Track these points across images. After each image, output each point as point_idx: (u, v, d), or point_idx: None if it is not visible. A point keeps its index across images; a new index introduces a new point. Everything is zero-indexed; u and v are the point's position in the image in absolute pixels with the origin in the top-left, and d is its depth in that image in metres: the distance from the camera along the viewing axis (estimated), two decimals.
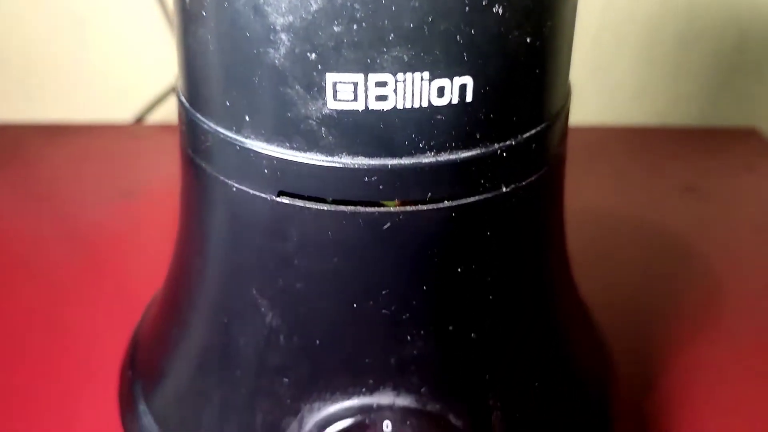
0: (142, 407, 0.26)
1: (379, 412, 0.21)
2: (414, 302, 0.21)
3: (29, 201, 0.48)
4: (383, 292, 0.21)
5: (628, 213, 0.48)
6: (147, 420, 0.25)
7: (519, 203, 0.21)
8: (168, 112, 0.58)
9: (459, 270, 0.21)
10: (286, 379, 0.22)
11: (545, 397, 0.24)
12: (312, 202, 0.20)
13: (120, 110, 0.59)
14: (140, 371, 0.27)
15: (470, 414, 0.22)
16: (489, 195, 0.20)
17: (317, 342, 0.21)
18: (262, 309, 0.22)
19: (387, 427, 0.21)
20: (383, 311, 0.21)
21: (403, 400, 0.22)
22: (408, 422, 0.21)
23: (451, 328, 0.21)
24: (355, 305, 0.21)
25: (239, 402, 0.23)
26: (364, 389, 0.22)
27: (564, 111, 0.22)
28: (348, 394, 0.22)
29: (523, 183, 0.21)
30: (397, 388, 0.22)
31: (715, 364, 0.37)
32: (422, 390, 0.22)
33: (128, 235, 0.44)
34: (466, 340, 0.22)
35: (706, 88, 0.60)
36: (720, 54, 0.59)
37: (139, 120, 0.59)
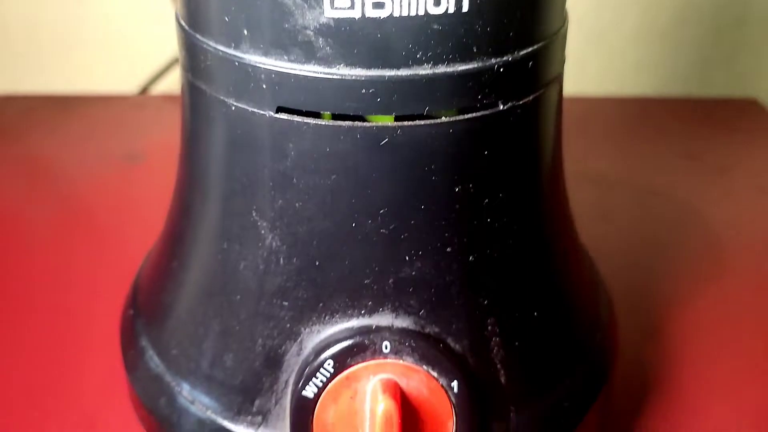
0: (144, 342, 0.26)
1: (378, 333, 0.21)
2: (412, 222, 0.21)
3: (35, 167, 0.48)
4: (381, 211, 0.21)
5: (627, 177, 0.48)
6: (149, 354, 0.26)
7: (516, 124, 0.21)
8: (172, 83, 0.58)
9: (457, 190, 0.21)
10: (285, 303, 0.22)
11: (544, 327, 0.24)
12: (310, 118, 0.20)
13: (125, 82, 0.59)
14: (141, 309, 0.27)
15: (469, 338, 0.22)
16: (486, 112, 0.20)
17: (316, 263, 0.21)
18: (262, 231, 0.22)
19: (386, 348, 0.21)
20: (382, 231, 0.21)
21: (402, 322, 0.22)
22: (406, 343, 0.21)
23: (449, 250, 0.21)
24: (353, 224, 0.21)
25: (239, 328, 0.23)
26: (362, 311, 0.22)
27: (560, 34, 0.22)
28: (347, 316, 0.22)
29: (520, 102, 0.21)
30: (396, 310, 0.22)
31: (714, 318, 0.37)
32: (421, 312, 0.22)
33: (131, 197, 0.45)
34: (465, 262, 0.22)
35: (707, 60, 0.60)
36: (721, 26, 0.59)
37: (144, 91, 0.59)
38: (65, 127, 0.53)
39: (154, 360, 0.25)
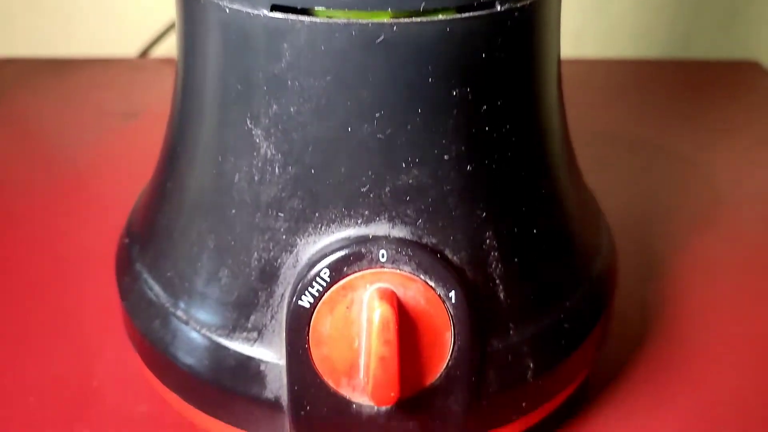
0: (138, 267, 0.25)
1: (375, 242, 0.21)
2: (408, 126, 0.20)
3: (31, 124, 0.48)
4: (377, 115, 0.20)
5: (626, 133, 0.48)
6: (143, 278, 0.25)
7: (514, 28, 0.21)
8: (171, 47, 0.58)
9: (454, 93, 0.20)
10: (281, 214, 0.21)
11: (544, 246, 0.24)
12: (305, 16, 0.19)
13: (124, 46, 0.58)
14: (136, 236, 0.27)
15: (467, 250, 0.22)
16: (483, 12, 0.20)
17: (312, 171, 0.21)
18: (257, 140, 0.21)
19: (382, 257, 0.21)
20: (378, 136, 0.20)
21: (399, 232, 0.21)
22: (403, 253, 0.21)
23: (446, 157, 0.21)
24: (349, 129, 0.20)
25: (234, 243, 0.22)
26: (359, 221, 0.21)
27: None
28: (343, 226, 0.21)
29: (518, 5, 0.20)
30: (393, 220, 0.21)
31: (713, 261, 0.36)
32: (418, 222, 0.21)
33: (127, 152, 0.44)
34: (463, 171, 0.21)
35: (708, 23, 0.59)
36: None
37: (144, 54, 0.58)
38: (62, 87, 0.52)
39: (148, 283, 0.25)
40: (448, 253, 0.22)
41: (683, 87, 0.55)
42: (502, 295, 0.23)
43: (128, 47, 0.58)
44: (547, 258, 0.24)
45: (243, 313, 0.22)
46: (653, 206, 0.40)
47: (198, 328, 0.23)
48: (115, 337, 0.30)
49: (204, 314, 0.23)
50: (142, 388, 0.29)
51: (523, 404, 0.24)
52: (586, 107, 0.49)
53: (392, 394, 0.20)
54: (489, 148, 0.21)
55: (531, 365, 0.23)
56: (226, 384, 0.23)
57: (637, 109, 0.51)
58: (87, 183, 0.42)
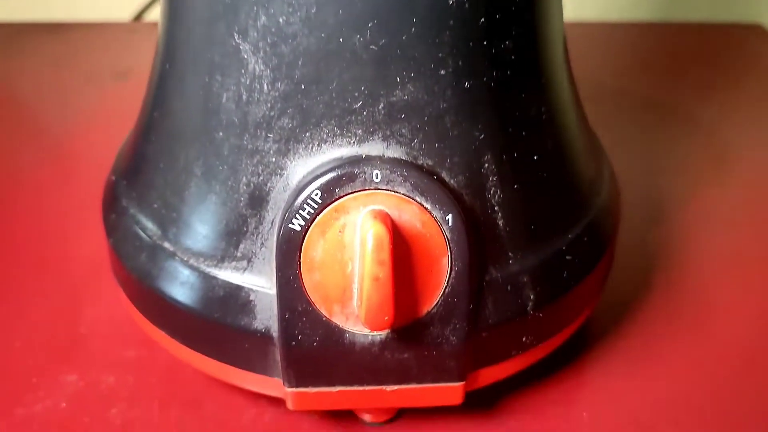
0: (125, 202, 0.25)
1: (368, 162, 0.20)
2: (403, 38, 0.19)
3: (25, 87, 0.47)
4: (369, 24, 0.19)
5: (629, 91, 0.47)
6: (129, 213, 0.24)
7: None
8: None
9: (450, 3, 0.19)
10: (270, 135, 0.21)
11: (545, 173, 0.23)
12: None
13: (118, 10, 0.57)
14: (122, 171, 0.26)
15: (465, 174, 0.21)
16: None
17: (302, 87, 0.20)
18: (245, 56, 0.20)
19: (376, 177, 0.20)
20: (371, 47, 0.19)
21: (394, 152, 0.20)
22: (398, 173, 0.20)
23: (443, 72, 0.20)
24: (340, 40, 0.19)
25: (222, 168, 0.21)
26: (352, 140, 0.20)
27: None
28: (335, 146, 0.20)
29: None
30: (387, 139, 0.20)
31: (718, 212, 0.36)
32: (413, 142, 0.20)
33: (118, 111, 0.43)
34: (460, 89, 0.20)
35: None
36: None
37: (137, 18, 0.57)
38: (54, 50, 0.51)
39: (134, 217, 0.24)
40: (445, 175, 0.21)
41: (686, 49, 0.54)
42: (501, 222, 0.22)
43: (122, 11, 0.57)
44: (548, 186, 0.23)
45: (232, 241, 0.22)
46: (658, 163, 0.39)
47: (186, 260, 0.22)
48: (103, 283, 0.29)
49: (192, 244, 0.22)
50: (131, 333, 0.28)
51: (523, 338, 0.23)
52: (590, 68, 0.48)
53: (386, 318, 0.19)
54: (488, 65, 0.21)
55: (531, 296, 0.22)
56: (215, 316, 0.22)
57: (640, 70, 0.50)
58: (76, 139, 0.41)
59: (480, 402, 0.26)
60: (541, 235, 0.23)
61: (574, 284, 0.24)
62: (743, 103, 0.46)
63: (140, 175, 0.24)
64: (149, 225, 0.23)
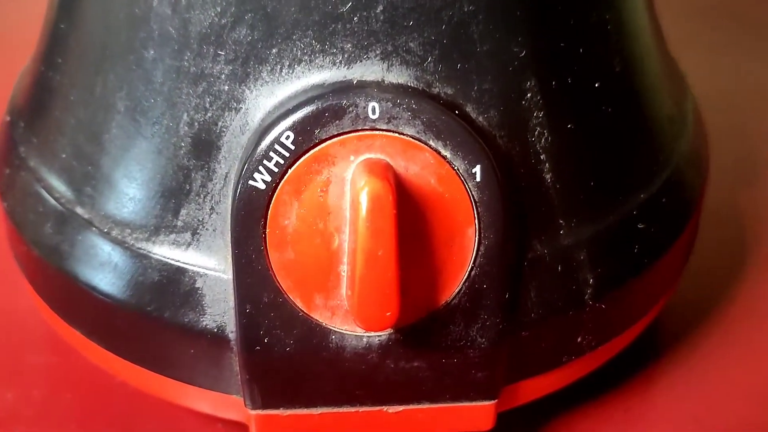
0: (23, 150, 0.24)
1: (361, 91, 0.19)
2: None
3: None
4: None
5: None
6: (30, 165, 0.23)
7: None
8: None
9: None
10: (221, 52, 0.20)
11: (609, 109, 0.22)
12: None
13: None
14: (19, 109, 0.25)
15: (499, 107, 0.20)
16: None
17: None
18: None
19: (373, 112, 0.19)
20: None
21: (398, 76, 0.19)
22: (404, 106, 0.19)
23: None
24: None
25: (154, 100, 0.20)
26: (337, 59, 0.19)
27: None
28: (313, 68, 0.19)
29: None
30: (388, 58, 0.19)
31: None
32: (426, 62, 0.19)
33: (19, 25, 0.42)
34: None
35: None
36: None
37: None
38: None
39: (35, 172, 0.23)
40: (470, 109, 0.20)
41: None
42: (548, 177, 0.21)
43: None
44: (614, 128, 0.22)
45: (170, 204, 0.21)
46: (754, 97, 0.39)
47: (106, 231, 0.22)
48: None
49: (114, 210, 0.22)
50: (36, 332, 0.28)
51: (578, 339, 0.22)
52: None
53: (388, 313, 0.19)
54: None
55: (590, 281, 0.22)
56: (147, 309, 0.21)
57: None
58: None
59: (518, 427, 0.25)
60: (603, 196, 0.22)
61: (648, 263, 0.23)
62: None
63: (43, 113, 0.23)
64: (56, 183, 0.23)
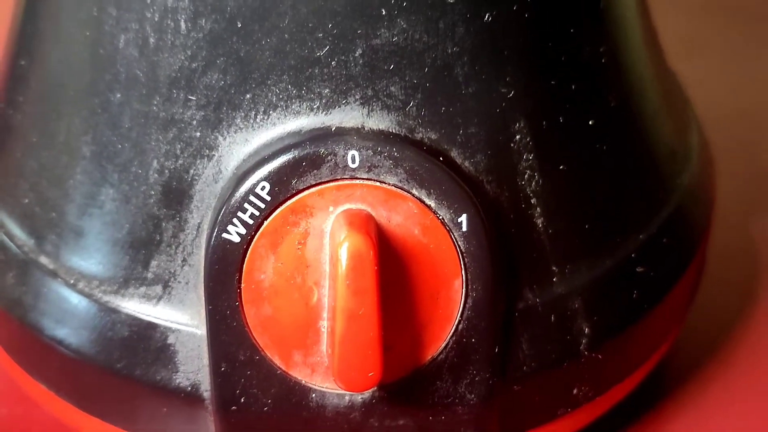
0: None
1: (340, 138, 0.19)
2: None
3: None
4: None
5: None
6: None
7: None
8: None
9: None
10: (192, 97, 0.20)
11: (605, 145, 0.22)
12: None
13: None
14: None
15: (486, 151, 0.20)
16: None
17: (238, 25, 0.19)
18: None
19: (353, 161, 0.19)
20: None
21: (378, 122, 0.20)
22: (386, 154, 0.19)
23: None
24: None
25: (122, 146, 0.21)
26: (314, 105, 0.20)
27: None
28: (290, 114, 0.20)
29: None
30: (368, 103, 0.20)
31: None
32: (408, 106, 0.20)
33: None
34: (478, 22, 0.20)
35: None
36: None
37: None
38: None
39: None
40: (455, 155, 0.20)
41: None
42: (540, 222, 0.21)
43: None
44: (609, 165, 0.23)
45: (139, 256, 0.21)
46: (762, 103, 0.39)
47: (72, 283, 0.22)
48: None
49: (80, 261, 0.22)
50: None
51: (574, 391, 0.23)
52: None
53: (371, 374, 0.19)
54: None
55: (585, 330, 0.22)
56: (116, 366, 0.22)
57: None
58: None
59: None
60: (599, 239, 0.23)
61: (648, 308, 0.23)
62: None
63: (3, 153, 0.24)
64: (17, 231, 0.23)
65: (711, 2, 0.46)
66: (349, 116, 0.20)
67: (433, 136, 0.20)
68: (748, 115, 0.39)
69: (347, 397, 0.21)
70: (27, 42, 0.23)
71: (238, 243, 0.20)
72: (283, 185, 0.19)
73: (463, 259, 0.20)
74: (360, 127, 0.20)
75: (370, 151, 0.19)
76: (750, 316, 0.31)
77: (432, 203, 0.20)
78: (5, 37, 0.25)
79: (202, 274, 0.20)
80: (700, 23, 0.45)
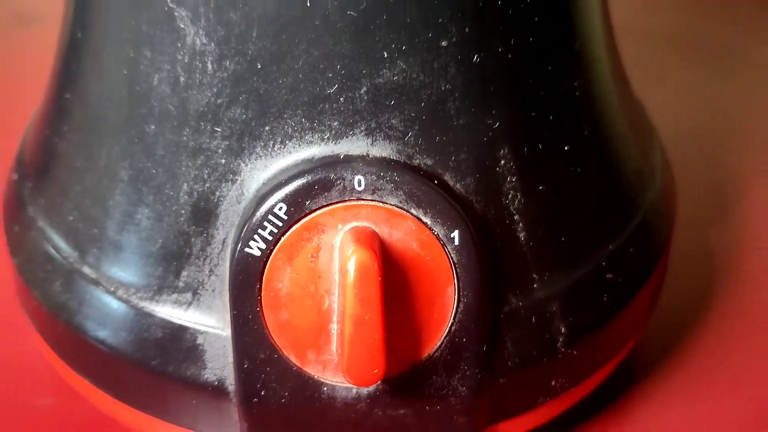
0: (32, 210, 0.24)
1: (348, 165, 0.20)
2: None
3: None
4: None
5: (685, 33, 0.46)
6: (39, 225, 0.24)
7: None
8: None
9: None
10: (217, 129, 0.20)
11: (578, 168, 0.22)
12: None
13: None
14: (27, 169, 0.25)
15: (475, 175, 0.21)
16: None
17: (258, 66, 0.19)
18: (181, 25, 0.20)
19: (359, 185, 0.20)
20: (348, 12, 0.19)
21: (381, 150, 0.20)
22: (387, 178, 0.20)
23: (444, 44, 0.19)
24: (308, 2, 0.19)
25: (156, 171, 0.21)
26: (325, 136, 0.20)
27: None
28: (304, 144, 0.20)
29: None
30: (372, 134, 0.20)
31: None
32: (407, 137, 0.20)
33: (23, 65, 0.43)
34: (467, 64, 0.20)
35: None
36: None
37: None
38: None
39: (44, 232, 0.24)
40: (448, 178, 0.21)
41: None
42: (522, 236, 0.22)
43: None
44: (582, 185, 0.23)
45: (171, 267, 0.21)
46: (722, 129, 0.39)
47: (112, 290, 0.22)
48: (8, 311, 0.29)
49: (119, 271, 0.22)
50: (44, 376, 0.28)
51: (552, 382, 0.23)
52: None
53: (375, 371, 0.19)
54: (502, 31, 0.20)
55: (562, 329, 0.22)
56: (151, 363, 0.22)
57: (702, 4, 0.50)
58: None
59: None
60: (574, 250, 0.23)
61: (617, 310, 0.24)
62: None
63: (50, 176, 0.24)
64: (64, 244, 0.23)
65: (674, 38, 0.46)
66: (355, 145, 0.20)
67: (429, 162, 0.20)
68: (705, 137, 0.39)
69: (354, 390, 0.21)
70: (71, 78, 0.23)
71: (258, 256, 0.20)
72: (298, 206, 0.20)
73: (456, 270, 0.20)
74: (365, 154, 0.20)
75: (374, 176, 0.19)
76: (706, 316, 0.31)
77: (428, 221, 0.20)
78: (49, 73, 0.25)
79: (227, 283, 0.20)
80: (663, 57, 0.44)
